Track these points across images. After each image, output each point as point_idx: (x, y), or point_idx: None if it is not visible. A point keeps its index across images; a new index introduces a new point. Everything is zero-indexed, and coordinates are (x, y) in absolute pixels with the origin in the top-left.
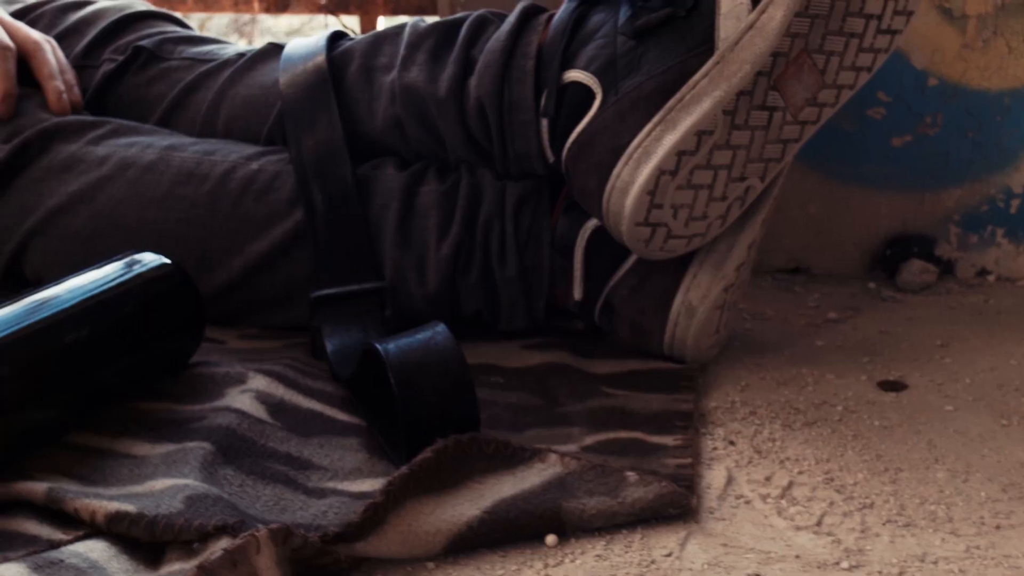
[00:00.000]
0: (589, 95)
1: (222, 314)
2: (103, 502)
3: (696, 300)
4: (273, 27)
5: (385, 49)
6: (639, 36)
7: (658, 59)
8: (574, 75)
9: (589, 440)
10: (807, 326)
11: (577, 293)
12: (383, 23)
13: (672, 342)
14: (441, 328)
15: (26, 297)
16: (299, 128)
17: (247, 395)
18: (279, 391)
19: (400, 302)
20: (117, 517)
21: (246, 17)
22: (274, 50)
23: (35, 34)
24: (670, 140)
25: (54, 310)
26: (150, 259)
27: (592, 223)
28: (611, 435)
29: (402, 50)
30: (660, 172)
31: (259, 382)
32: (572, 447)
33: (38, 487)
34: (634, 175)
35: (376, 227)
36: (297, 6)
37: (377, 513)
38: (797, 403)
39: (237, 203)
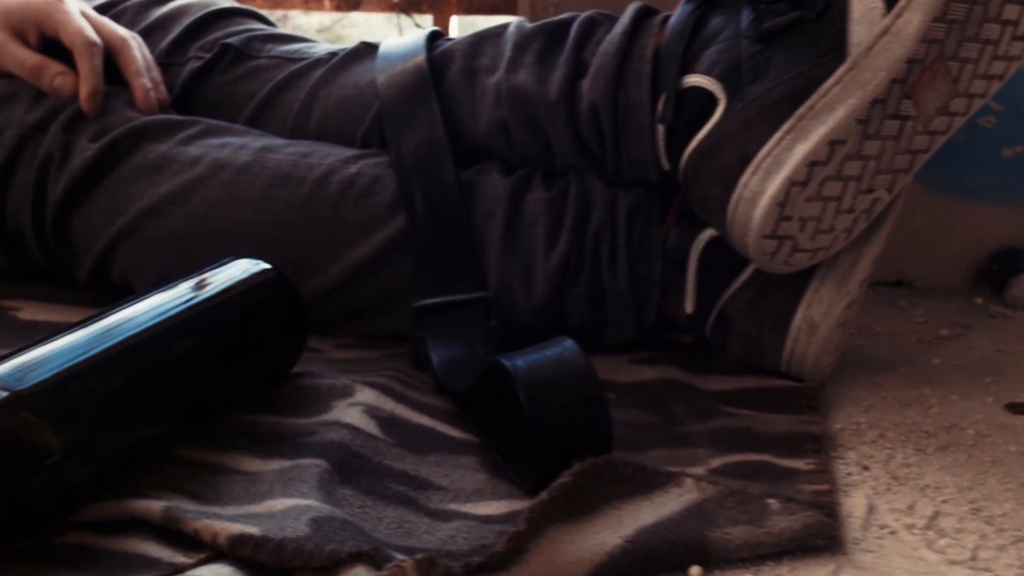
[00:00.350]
0: (711, 101)
1: (318, 321)
2: (224, 523)
3: (818, 316)
4: (304, 24)
5: (487, 50)
6: (764, 40)
7: (786, 64)
8: (695, 80)
9: (716, 463)
10: (919, 343)
11: (689, 306)
12: (456, 23)
13: (791, 359)
14: (570, 344)
15: (128, 306)
16: (399, 130)
17: (356, 409)
18: (388, 405)
19: (504, 312)
20: (241, 540)
21: (278, 14)
22: (367, 49)
23: (121, 30)
24: (801, 150)
25: (160, 319)
26: (252, 265)
27: (707, 234)
28: (738, 457)
29: (508, 51)
30: (791, 183)
31: (367, 395)
32: (699, 470)
33: (155, 506)
34: (763, 185)
35: (480, 234)
36: (369, 4)
37: (520, 542)
38: (925, 426)
39: (336, 207)
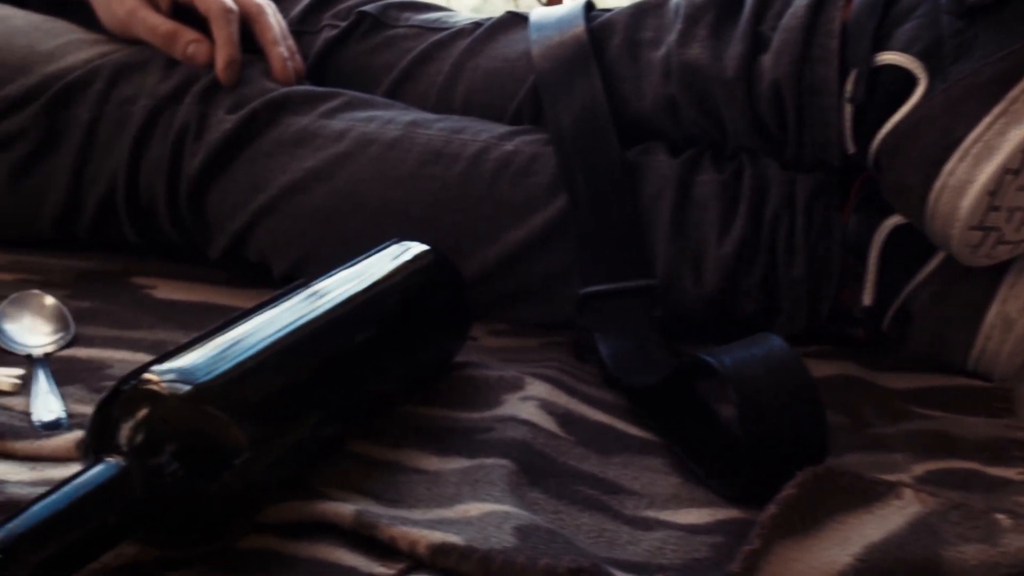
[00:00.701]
0: (908, 80)
1: (471, 306)
2: (422, 531)
3: (1015, 312)
4: None
5: (649, 22)
6: (969, 16)
7: (994, 43)
8: (890, 57)
9: (919, 470)
10: None
11: (868, 298)
12: None
13: (981, 357)
14: (778, 341)
15: (299, 293)
16: (558, 105)
17: (530, 404)
18: (562, 399)
19: (670, 301)
20: (443, 549)
21: None
22: (514, 19)
23: None
24: (1016, 135)
25: (336, 307)
26: (416, 248)
27: (892, 221)
28: (942, 464)
29: (679, 23)
30: (1004, 171)
31: (538, 388)
32: (905, 477)
33: (344, 509)
34: (972, 173)
35: (647, 218)
36: None
37: (755, 561)
38: None
39: (492, 187)
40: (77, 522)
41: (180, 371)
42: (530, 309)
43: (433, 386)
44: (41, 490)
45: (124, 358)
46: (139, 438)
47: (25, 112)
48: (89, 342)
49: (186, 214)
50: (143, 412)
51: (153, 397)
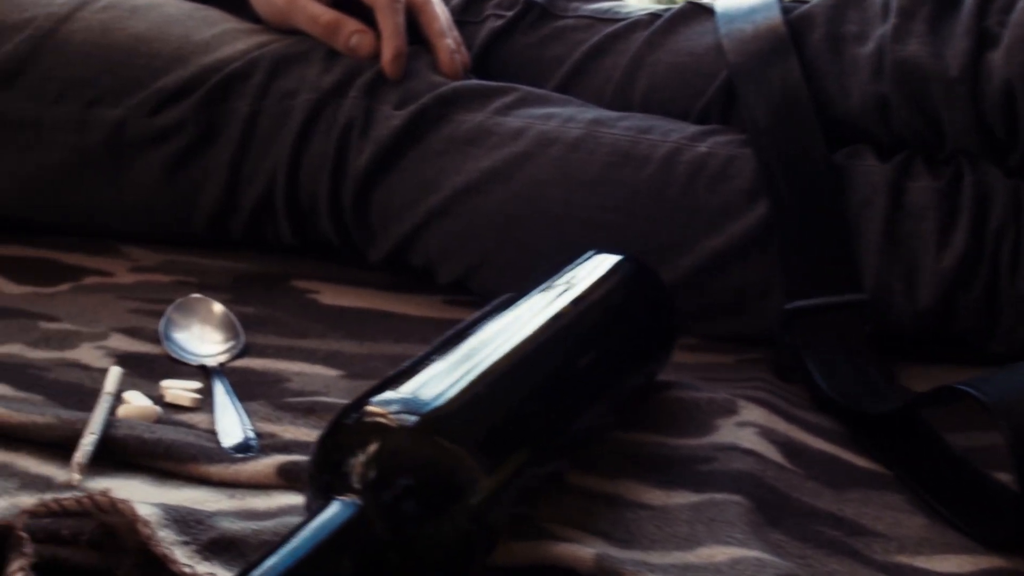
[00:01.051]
0: None
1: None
2: None
3: None
4: None
5: (851, 15)
6: None
7: None
8: None
9: None
10: None
11: None
12: None
13: None
14: None
15: (509, 312)
16: (755, 104)
17: (749, 431)
18: (780, 426)
19: (879, 316)
20: None
21: None
22: (697, 10)
23: None
24: None
25: (551, 327)
26: (619, 259)
27: None
28: None
29: (892, 18)
30: None
31: (754, 413)
32: None
33: (584, 553)
34: None
35: (855, 227)
36: None
37: None
38: None
39: (686, 192)
40: (324, 569)
41: (405, 401)
42: (720, 323)
43: (640, 408)
44: (250, 523)
45: (301, 370)
46: (372, 475)
47: (182, 105)
48: (261, 352)
49: (349, 214)
50: (373, 447)
51: (382, 430)
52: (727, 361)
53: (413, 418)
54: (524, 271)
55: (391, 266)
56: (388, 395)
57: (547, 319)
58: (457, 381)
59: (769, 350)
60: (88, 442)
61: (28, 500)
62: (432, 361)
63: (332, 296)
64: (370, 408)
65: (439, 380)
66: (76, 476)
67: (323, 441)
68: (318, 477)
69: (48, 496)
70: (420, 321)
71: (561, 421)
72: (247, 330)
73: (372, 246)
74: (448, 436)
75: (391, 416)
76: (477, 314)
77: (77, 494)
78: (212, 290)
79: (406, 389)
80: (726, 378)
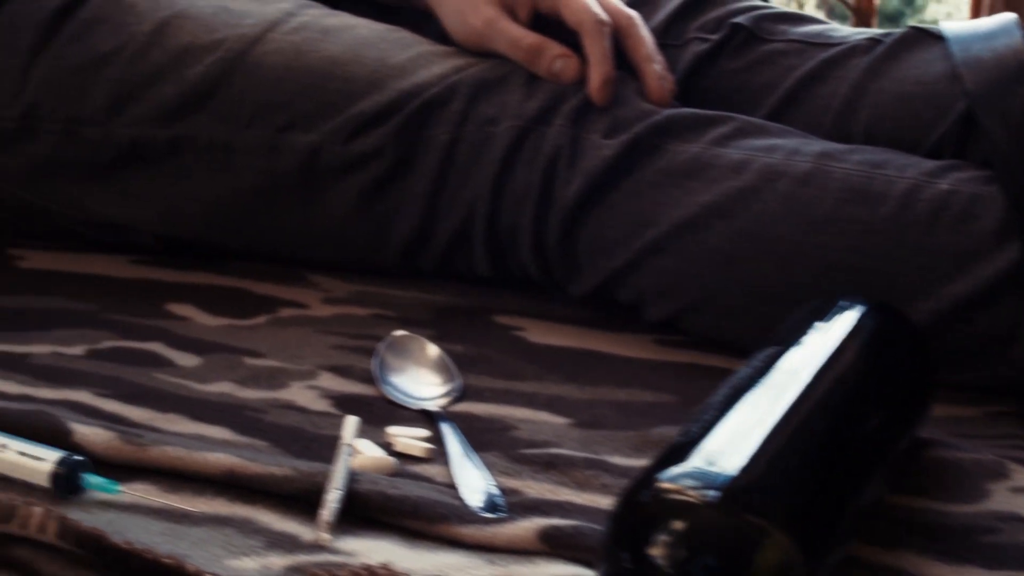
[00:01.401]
0: None
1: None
2: None
3: None
4: None
5: None
6: None
7: None
8: None
9: None
10: None
11: None
12: None
13: None
14: None
15: (776, 367)
16: (1001, 138)
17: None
18: None
19: None
20: None
21: None
22: (922, 36)
23: (625, 7)
24: None
25: (829, 385)
26: (874, 306)
27: None
28: None
29: None
30: None
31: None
32: None
33: None
34: None
35: None
36: None
37: None
38: None
39: (928, 232)
40: None
41: (701, 475)
42: (960, 372)
43: (904, 469)
44: None
45: (527, 417)
46: (681, 556)
47: (380, 130)
48: (479, 395)
49: (553, 247)
50: (679, 527)
51: (685, 509)
52: (973, 414)
53: (714, 492)
54: (746, 313)
55: (594, 300)
56: (680, 469)
57: (828, 378)
58: (746, 449)
59: (1019, 403)
60: (333, 498)
61: (279, 561)
62: (711, 425)
63: (539, 334)
64: (664, 485)
65: (729, 449)
66: (325, 536)
67: (616, 521)
68: (616, 555)
69: (317, 561)
70: (636, 363)
71: (859, 489)
72: (459, 370)
73: (576, 280)
74: (755, 511)
75: (692, 493)
76: (745, 370)
77: (352, 563)
78: (414, 325)
79: (697, 460)
80: (979, 434)
